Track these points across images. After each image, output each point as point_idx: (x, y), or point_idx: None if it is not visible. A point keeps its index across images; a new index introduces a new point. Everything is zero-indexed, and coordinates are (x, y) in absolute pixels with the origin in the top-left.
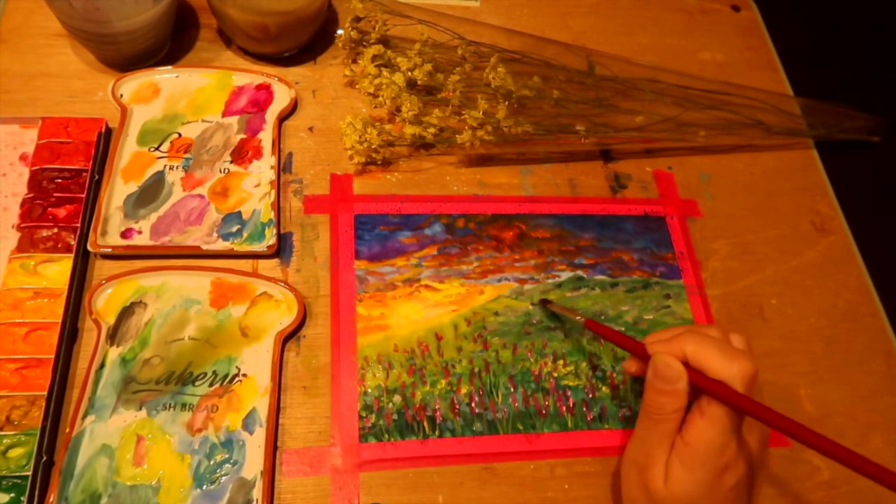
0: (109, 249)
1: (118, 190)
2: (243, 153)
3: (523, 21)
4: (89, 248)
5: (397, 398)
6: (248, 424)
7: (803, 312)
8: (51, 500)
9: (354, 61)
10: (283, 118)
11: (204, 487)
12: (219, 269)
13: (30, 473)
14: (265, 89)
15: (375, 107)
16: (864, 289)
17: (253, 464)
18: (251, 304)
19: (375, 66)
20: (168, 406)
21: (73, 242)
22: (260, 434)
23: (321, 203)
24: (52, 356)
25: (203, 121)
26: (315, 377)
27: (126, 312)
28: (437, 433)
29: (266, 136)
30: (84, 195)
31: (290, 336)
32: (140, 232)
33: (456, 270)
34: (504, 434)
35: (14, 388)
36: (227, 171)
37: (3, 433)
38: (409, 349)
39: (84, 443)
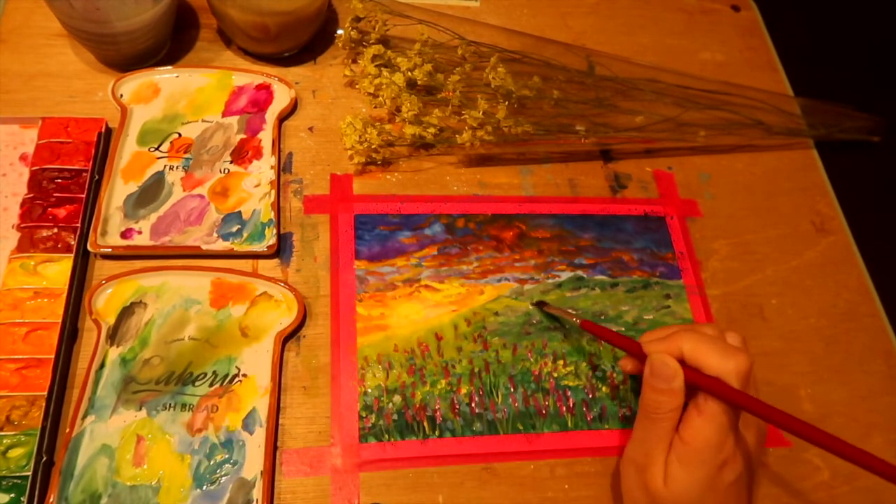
0: (109, 249)
1: (118, 190)
2: (243, 153)
3: (523, 21)
4: (89, 248)
5: (397, 398)
6: (248, 424)
7: (803, 312)
8: (51, 500)
9: (354, 61)
10: (283, 118)
11: (204, 487)
12: (219, 269)
13: (30, 473)
14: (265, 89)
15: (375, 107)
16: (864, 289)
17: (253, 464)
18: (251, 304)
19: (375, 66)
20: (168, 406)
21: (73, 242)
22: (260, 434)
23: (321, 203)
24: (52, 356)
25: (203, 121)
26: (315, 377)
27: (126, 312)
28: (437, 433)
29: (266, 136)
30: (84, 195)
31: (290, 336)
32: (140, 232)
33: (456, 270)
34: (504, 434)
35: (14, 388)
36: (227, 171)
37: (3, 433)
38: (409, 349)
39: (84, 443)
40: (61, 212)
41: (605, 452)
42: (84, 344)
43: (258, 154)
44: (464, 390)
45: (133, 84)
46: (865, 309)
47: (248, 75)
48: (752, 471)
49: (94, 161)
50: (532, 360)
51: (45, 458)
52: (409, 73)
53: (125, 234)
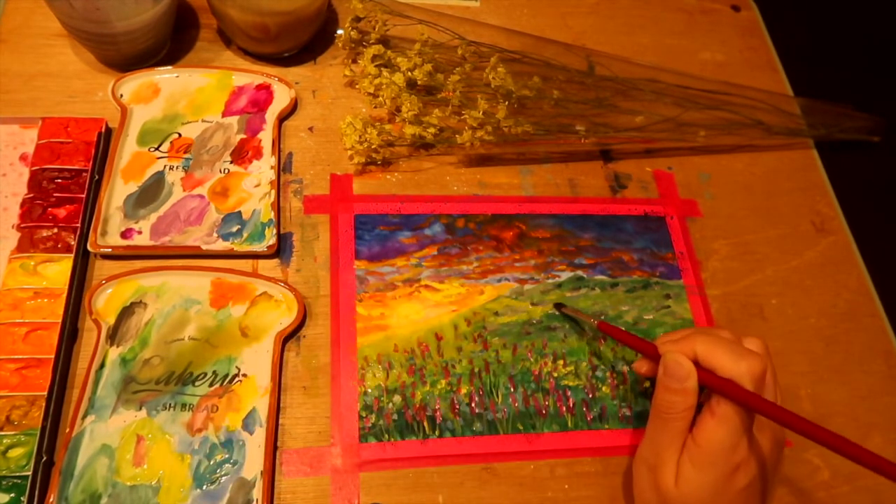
0: (109, 249)
1: (118, 190)
2: (243, 153)
3: (523, 21)
4: (89, 248)
5: (397, 398)
6: (248, 424)
7: (803, 312)
8: (51, 500)
9: (354, 61)
10: (283, 118)
11: (204, 487)
12: (219, 269)
13: (30, 473)
14: (265, 89)
15: (375, 107)
16: (864, 289)
17: (253, 464)
18: (251, 304)
19: (375, 66)
20: (168, 406)
21: (73, 242)
22: (260, 434)
23: (321, 203)
24: (52, 356)
25: (203, 121)
26: (315, 377)
27: (126, 312)
28: (437, 433)
29: (266, 136)
30: (84, 195)
31: (290, 336)
32: (140, 232)
33: (456, 270)
34: (504, 434)
35: (14, 388)
36: (227, 171)
37: (3, 433)
38: (409, 349)
39: (84, 443)
40: (61, 212)
41: (605, 452)
42: (84, 344)
43: (258, 154)
44: (464, 390)
45: (133, 84)
46: (865, 309)
47: (248, 75)
48: (767, 476)
49: (94, 161)
50: (532, 360)
51: (45, 458)
52: (409, 73)
53: (125, 234)
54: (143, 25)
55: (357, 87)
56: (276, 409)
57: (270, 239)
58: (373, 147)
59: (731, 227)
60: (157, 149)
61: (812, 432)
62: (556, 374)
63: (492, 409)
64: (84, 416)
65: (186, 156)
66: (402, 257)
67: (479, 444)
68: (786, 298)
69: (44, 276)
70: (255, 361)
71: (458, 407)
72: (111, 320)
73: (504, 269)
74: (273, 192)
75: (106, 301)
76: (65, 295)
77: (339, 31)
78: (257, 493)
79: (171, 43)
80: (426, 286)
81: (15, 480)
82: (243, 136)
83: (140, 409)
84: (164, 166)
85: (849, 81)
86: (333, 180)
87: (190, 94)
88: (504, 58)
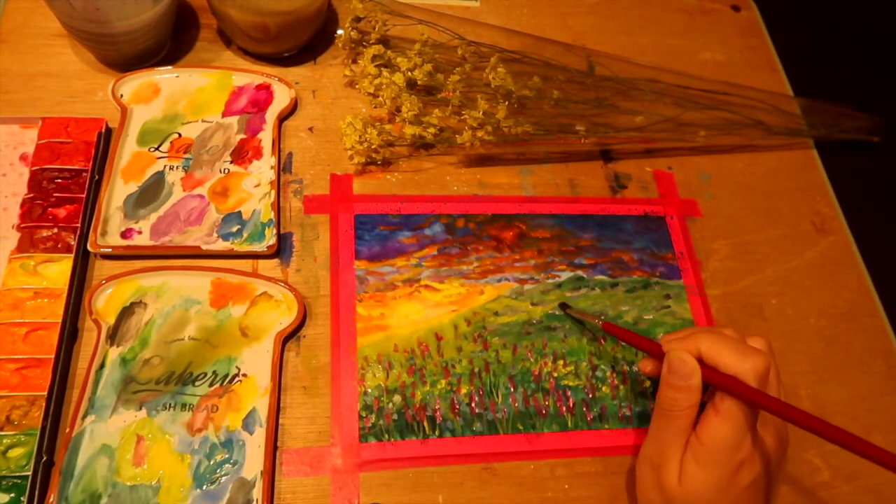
0: (109, 249)
1: (118, 190)
2: (243, 153)
3: (523, 21)
4: (89, 248)
5: (397, 398)
6: (248, 424)
7: (803, 312)
8: (51, 500)
9: (354, 61)
10: (283, 118)
11: (204, 487)
12: (219, 269)
13: (30, 473)
14: (265, 89)
15: (375, 107)
16: (864, 289)
17: (253, 464)
18: (251, 304)
19: (375, 66)
20: (168, 406)
21: (73, 242)
22: (260, 434)
23: (321, 203)
24: (52, 356)
25: (203, 121)
26: (315, 377)
27: (126, 312)
28: (437, 433)
29: (266, 136)
30: (84, 195)
31: (290, 336)
32: (140, 232)
33: (456, 270)
34: (504, 434)
35: (14, 388)
36: (227, 171)
37: (3, 433)
38: (409, 349)
39: (84, 443)
40: (61, 212)
41: (605, 452)
42: (84, 344)
43: (258, 154)
44: (464, 390)
45: (133, 84)
46: (865, 309)
47: (248, 75)
48: (772, 474)
49: (94, 161)
50: (532, 360)
51: (45, 458)
52: (409, 73)
53: (125, 234)
54: (143, 25)
55: (357, 87)
56: (276, 409)
57: (270, 239)
58: (373, 147)
59: (731, 227)
60: (157, 149)
61: (817, 427)
62: (556, 374)
63: (492, 409)
64: (84, 416)
65: (186, 156)
66: (402, 257)
67: (479, 444)
68: (786, 298)
69: (44, 276)
70: (255, 361)
71: (458, 407)
72: (111, 320)
73: (504, 269)
74: (273, 192)
75: (106, 301)
76: (65, 295)
77: (339, 31)
78: (257, 493)
79: (171, 43)
80: (426, 286)
81: (15, 480)
82: (243, 136)
83: (140, 409)
84: (164, 166)
85: (849, 81)
86: (333, 180)
87: (190, 94)
88: (504, 58)
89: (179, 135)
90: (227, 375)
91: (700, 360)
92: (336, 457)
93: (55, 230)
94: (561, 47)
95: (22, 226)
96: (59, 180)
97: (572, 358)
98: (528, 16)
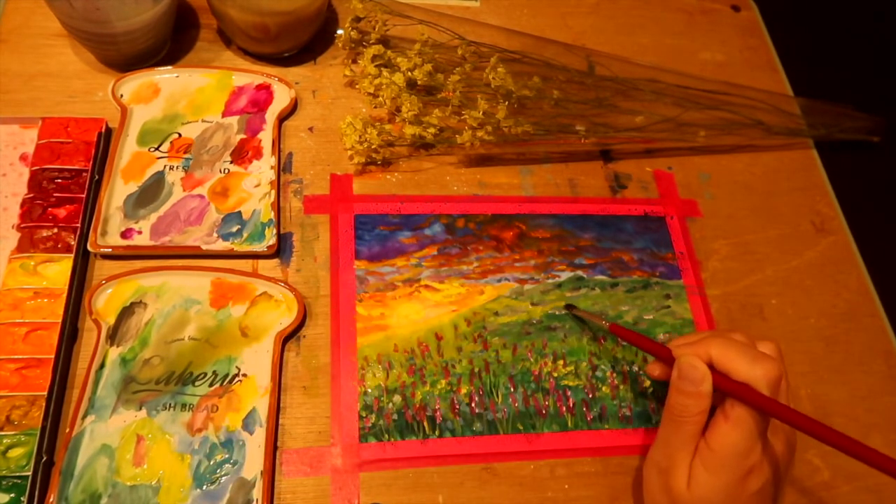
0: (109, 249)
1: (118, 190)
2: (243, 153)
3: (523, 21)
4: (89, 248)
5: (397, 398)
6: (248, 424)
7: (803, 312)
8: (51, 500)
9: (354, 61)
10: (283, 118)
11: (204, 487)
12: (219, 269)
13: (30, 473)
14: (265, 89)
15: (375, 107)
16: (864, 289)
17: (253, 464)
18: (251, 304)
19: (375, 66)
20: (168, 406)
21: (73, 242)
22: (260, 434)
23: (321, 203)
24: (52, 356)
25: (203, 121)
26: (315, 377)
27: (126, 312)
28: (437, 433)
29: (266, 136)
30: (84, 195)
31: (290, 336)
32: (140, 232)
33: (456, 270)
34: (504, 434)
35: (14, 388)
36: (227, 171)
37: (3, 433)
38: (409, 349)
39: (84, 443)
40: (61, 212)
41: (605, 452)
42: (84, 344)
43: (258, 154)
44: (464, 390)
45: (133, 84)
46: (865, 309)
47: (248, 75)
48: (780, 480)
49: (94, 161)
50: (532, 360)
51: (45, 458)
52: (409, 73)
53: (125, 234)
54: (143, 25)
55: (357, 87)
56: (276, 409)
57: (270, 239)
58: (373, 147)
59: (731, 227)
60: (157, 149)
61: (835, 440)
62: (556, 374)
63: (492, 409)
64: (84, 416)
65: (186, 156)
66: (402, 257)
67: (479, 444)
68: (786, 298)
69: (44, 276)
70: (255, 361)
71: (458, 407)
72: (111, 320)
73: (504, 269)
74: (273, 192)
75: (106, 301)
76: (65, 295)
77: (339, 31)
78: (257, 493)
79: (171, 43)
80: (426, 286)
81: (15, 480)
82: (243, 136)
83: (140, 409)
84: (164, 166)
85: (849, 81)
86: (333, 180)
87: (190, 94)
88: (504, 58)
89: (179, 135)
90: (227, 375)
91: (710, 366)
92: (336, 457)
93: (55, 230)
94: (561, 47)
95: (22, 226)
96: (59, 180)
97: (572, 358)
98: (528, 16)
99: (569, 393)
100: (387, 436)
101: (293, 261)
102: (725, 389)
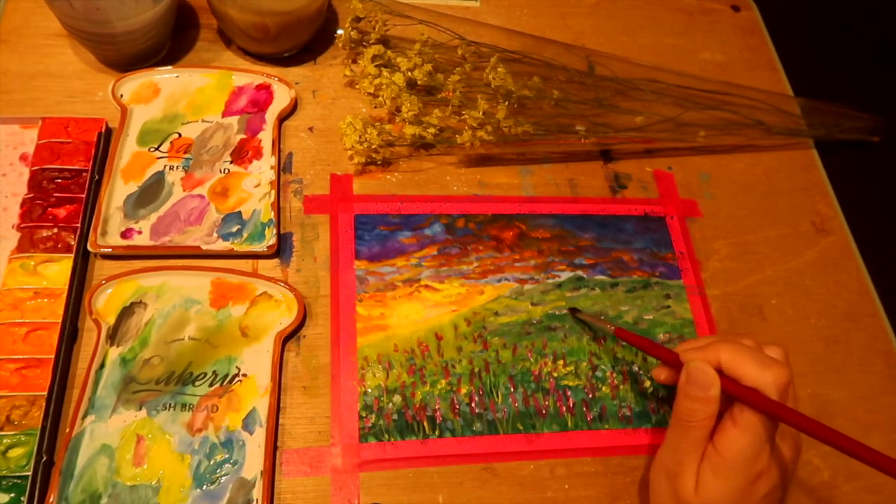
0: (109, 249)
1: (118, 190)
2: (243, 153)
3: (523, 21)
4: (89, 248)
5: (397, 398)
6: (248, 424)
7: (803, 312)
8: (51, 500)
9: (354, 61)
10: (283, 118)
11: (204, 487)
12: (219, 269)
13: (30, 473)
14: (265, 89)
15: (375, 107)
16: (864, 289)
17: (253, 464)
18: (251, 304)
19: (375, 66)
20: (168, 406)
21: (73, 242)
22: (260, 434)
23: (321, 203)
24: (52, 356)
25: (203, 121)
26: (315, 377)
27: (126, 312)
28: (437, 433)
29: (266, 136)
30: (84, 195)
31: (290, 336)
32: (140, 232)
33: (456, 270)
34: (504, 434)
35: (14, 388)
36: (227, 171)
37: (3, 433)
38: (409, 349)
39: (84, 443)
40: (61, 212)
41: (605, 452)
42: (84, 344)
43: (258, 154)
44: (464, 390)
45: (133, 84)
46: (865, 309)
47: (248, 75)
48: (787, 484)
49: (94, 161)
50: (532, 360)
51: (45, 458)
52: (409, 73)
53: (125, 234)
54: (143, 25)
55: (357, 87)
56: (276, 409)
57: (270, 239)
58: (373, 147)
59: (731, 227)
60: (157, 149)
61: (846, 446)
62: (556, 374)
63: (492, 409)
64: (84, 416)
65: (186, 156)
66: (402, 257)
67: (479, 444)
68: (786, 298)
69: (44, 276)
70: (255, 361)
71: (458, 407)
72: (111, 320)
73: (504, 269)
74: (273, 192)
75: (106, 301)
76: (65, 295)
77: (339, 31)
78: (257, 493)
79: (171, 43)
80: (426, 286)
81: (15, 480)
82: (243, 136)
83: (140, 409)
84: (164, 166)
85: (849, 81)
86: (333, 180)
87: (190, 94)
88: (504, 58)
89: (179, 135)
90: (227, 375)
91: (719, 371)
92: (336, 457)
93: (55, 230)
94: (561, 47)
95: (22, 226)
96: (59, 180)
97: (572, 358)
98: (528, 16)
99: (569, 393)
100: (387, 436)
101: (293, 261)
102: (735, 394)
